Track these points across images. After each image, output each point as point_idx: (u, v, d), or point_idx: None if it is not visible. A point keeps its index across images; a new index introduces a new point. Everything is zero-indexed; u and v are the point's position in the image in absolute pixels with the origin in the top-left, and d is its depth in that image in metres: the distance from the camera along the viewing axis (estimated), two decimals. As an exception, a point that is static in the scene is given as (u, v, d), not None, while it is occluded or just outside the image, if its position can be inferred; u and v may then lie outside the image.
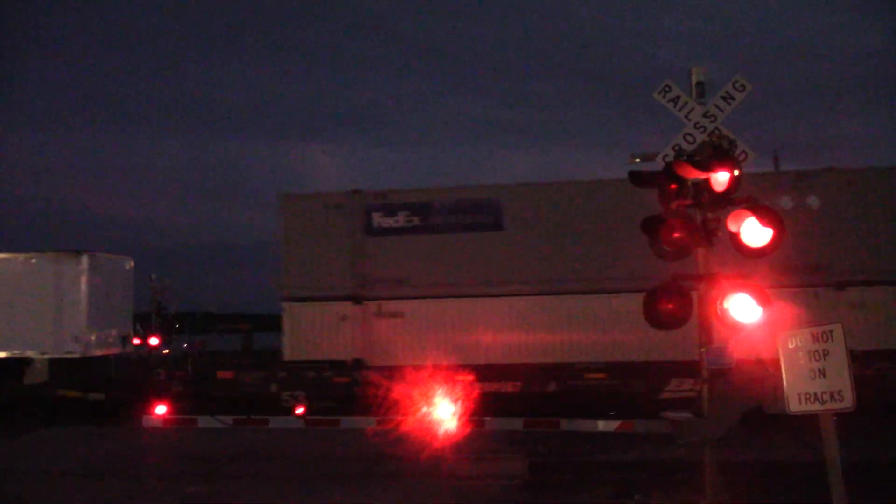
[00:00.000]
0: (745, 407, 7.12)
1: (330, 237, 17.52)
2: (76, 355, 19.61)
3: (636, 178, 7.25)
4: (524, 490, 10.66)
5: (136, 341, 23.39)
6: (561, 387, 16.11)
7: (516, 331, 16.46)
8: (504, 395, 15.87)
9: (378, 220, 17.34)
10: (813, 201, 15.21)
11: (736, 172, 6.96)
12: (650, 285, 7.14)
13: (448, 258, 16.91)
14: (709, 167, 6.96)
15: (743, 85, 7.46)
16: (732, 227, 6.94)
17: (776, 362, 6.18)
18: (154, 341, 25.27)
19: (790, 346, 6.06)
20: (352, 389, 16.60)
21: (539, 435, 14.14)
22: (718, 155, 7.00)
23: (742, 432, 7.86)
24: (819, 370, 5.87)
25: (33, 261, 20.16)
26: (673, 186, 7.29)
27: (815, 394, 5.88)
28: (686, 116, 7.52)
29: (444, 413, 13.58)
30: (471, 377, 15.12)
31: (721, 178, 6.93)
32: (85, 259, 19.86)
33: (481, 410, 14.21)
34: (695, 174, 7.04)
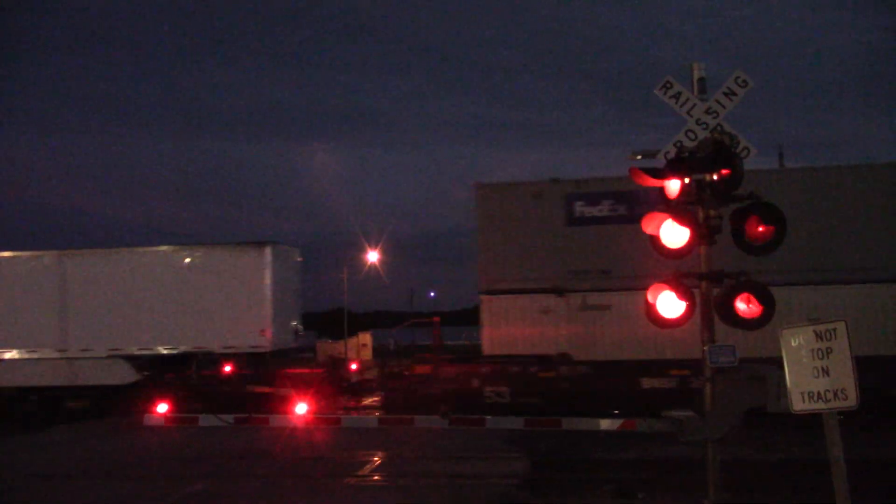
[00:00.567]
0: (748, 405, 7.07)
1: (529, 227, 17.01)
2: (264, 350, 19.04)
3: (638, 174, 7.17)
4: (527, 489, 10.61)
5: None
6: None
7: None
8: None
9: (580, 209, 16.80)
10: None
11: (738, 169, 6.90)
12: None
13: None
14: (711, 164, 6.90)
15: (745, 80, 7.37)
16: (734, 225, 6.88)
17: (779, 360, 6.13)
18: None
19: (793, 344, 6.00)
20: (557, 385, 16.20)
21: (541, 434, 14.11)
22: (720, 151, 6.93)
23: (745, 431, 7.82)
24: (822, 368, 5.81)
25: (217, 253, 19.72)
26: (675, 183, 7.22)
27: (819, 392, 5.82)
28: (688, 113, 7.43)
29: None
30: (685, 372, 14.85)
31: (723, 175, 6.87)
32: (269, 250, 19.25)
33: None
34: (697, 171, 6.98)
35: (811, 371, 5.87)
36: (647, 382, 15.65)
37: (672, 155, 7.31)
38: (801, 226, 14.21)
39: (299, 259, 21.47)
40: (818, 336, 5.87)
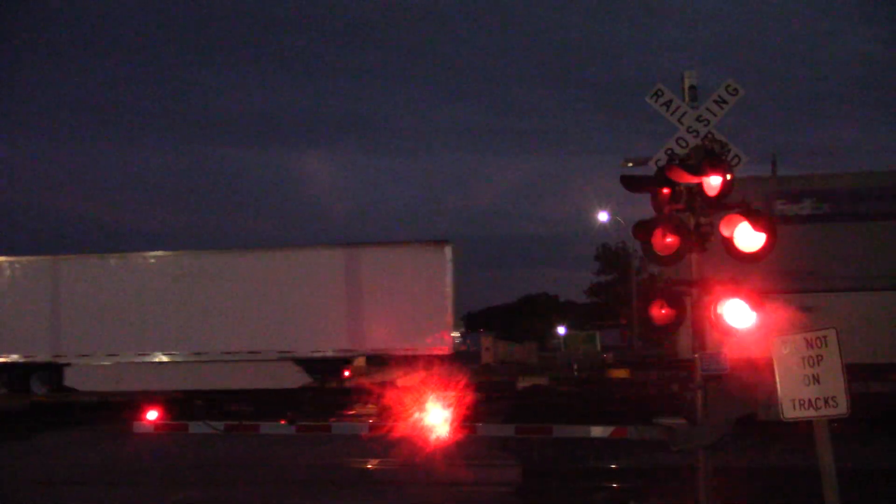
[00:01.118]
0: (739, 413, 7.08)
1: None
2: (444, 353, 18.39)
3: (628, 182, 7.19)
4: (519, 496, 10.59)
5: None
6: None
7: None
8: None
9: (781, 207, 16.16)
10: None
11: (728, 176, 6.91)
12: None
13: (858, 248, 15.66)
14: (701, 171, 6.91)
15: (735, 89, 7.40)
16: (725, 232, 6.89)
17: (770, 368, 6.14)
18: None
19: (784, 352, 6.02)
20: None
21: (533, 441, 14.06)
22: (711, 159, 6.95)
23: (736, 438, 7.82)
24: (813, 376, 5.82)
25: (396, 253, 19.22)
26: (665, 191, 7.24)
27: (810, 400, 5.83)
28: (678, 120, 7.47)
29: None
30: None
31: (713, 183, 6.88)
32: (448, 249, 18.67)
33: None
34: (687, 178, 6.99)
35: (802, 379, 5.88)
36: (871, 386, 14.99)
37: (663, 162, 7.32)
38: None
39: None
40: (809, 343, 5.88)
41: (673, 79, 7.77)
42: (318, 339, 18.82)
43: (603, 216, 38.35)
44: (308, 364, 19.05)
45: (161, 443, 14.69)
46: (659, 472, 11.10)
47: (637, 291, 33.26)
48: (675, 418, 9.36)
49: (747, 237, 6.75)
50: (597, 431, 13.69)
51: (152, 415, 17.05)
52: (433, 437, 12.79)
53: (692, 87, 7.59)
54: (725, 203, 6.94)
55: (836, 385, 5.70)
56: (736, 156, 7.36)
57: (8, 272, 20.99)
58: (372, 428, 14.57)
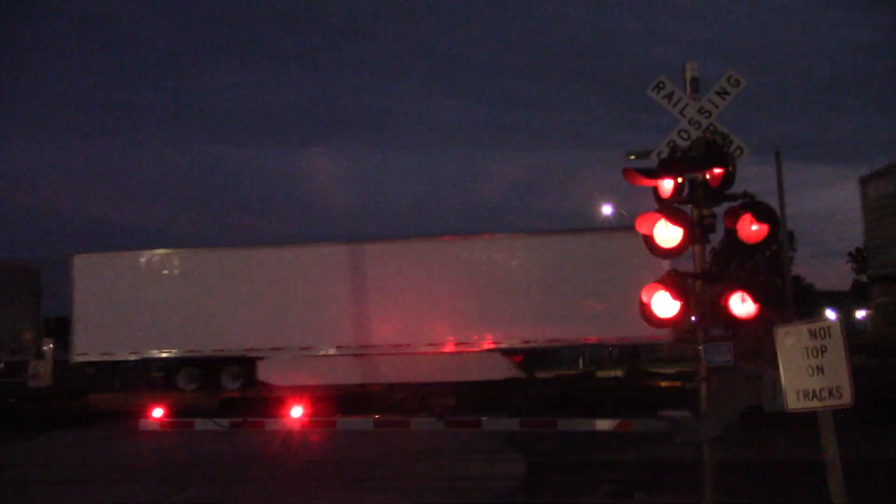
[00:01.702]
0: (743, 405, 7.07)
1: None
2: (664, 340, 18.29)
3: (630, 175, 7.18)
4: (523, 490, 10.60)
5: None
6: None
7: None
8: None
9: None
10: None
11: (730, 168, 6.91)
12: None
13: None
14: (703, 163, 6.91)
15: (737, 80, 7.38)
16: (728, 224, 6.88)
17: (774, 359, 6.12)
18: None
19: (787, 343, 6.00)
20: None
21: (539, 434, 14.06)
22: (713, 151, 6.95)
23: (741, 431, 7.81)
24: (817, 367, 5.81)
25: (616, 238, 18.68)
26: (668, 183, 7.23)
27: (814, 391, 5.82)
28: (680, 112, 7.45)
29: None
30: None
31: (716, 174, 6.88)
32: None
33: None
34: (689, 170, 6.98)
35: (806, 369, 5.87)
36: None
37: (665, 155, 7.31)
38: None
39: None
40: (812, 334, 5.87)
41: (675, 71, 7.75)
42: (527, 330, 18.26)
43: (606, 209, 38.27)
44: (513, 355, 18.54)
45: (167, 440, 14.76)
46: (664, 464, 11.10)
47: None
48: (679, 411, 9.36)
49: (750, 229, 6.75)
50: (602, 425, 13.68)
51: (158, 412, 17.10)
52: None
53: (694, 79, 7.57)
54: (728, 194, 6.94)
55: (840, 376, 5.69)
56: (738, 147, 7.34)
57: (196, 263, 20.53)
58: (378, 423, 14.60)
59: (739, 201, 6.88)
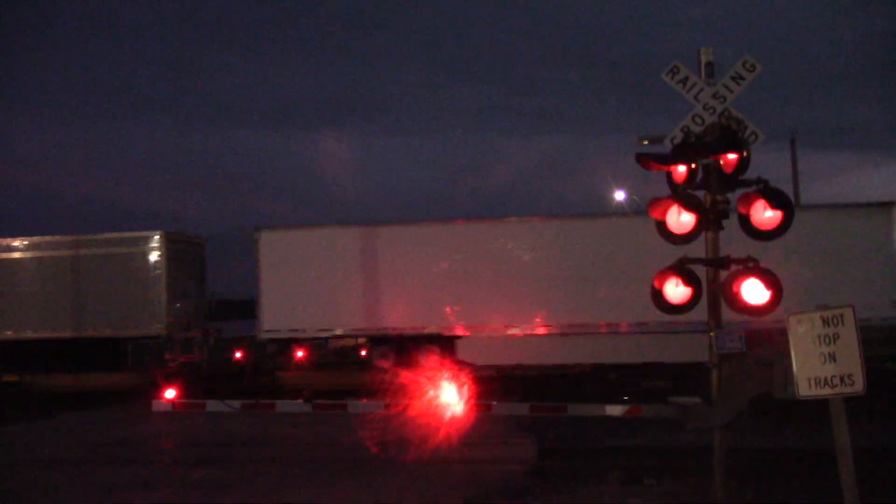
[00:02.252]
0: (754, 392, 7.06)
1: None
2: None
3: (644, 160, 7.14)
4: (534, 475, 10.63)
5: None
6: None
7: None
8: None
9: None
10: None
11: (745, 154, 6.86)
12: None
13: None
14: (717, 149, 6.87)
15: (753, 65, 7.31)
16: (741, 210, 6.85)
17: (786, 346, 6.10)
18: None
19: (800, 330, 5.98)
20: None
21: (550, 420, 14.09)
22: (727, 136, 6.90)
23: (752, 417, 7.81)
24: (829, 354, 5.79)
25: (839, 216, 17.93)
26: (681, 169, 7.20)
27: (826, 378, 5.81)
28: (695, 98, 7.38)
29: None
30: None
31: (730, 160, 6.84)
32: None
33: None
34: (703, 156, 6.95)
35: (818, 357, 5.85)
36: None
37: (679, 140, 7.27)
38: None
39: None
40: (825, 322, 5.85)
41: (690, 56, 7.69)
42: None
43: (620, 195, 38.11)
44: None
45: (180, 421, 14.89)
46: (675, 451, 11.11)
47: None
48: (690, 397, 9.35)
49: (764, 215, 6.71)
50: (612, 410, 13.70)
51: (170, 393, 17.26)
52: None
53: (709, 64, 7.50)
54: (742, 180, 6.90)
55: (852, 363, 5.68)
56: (753, 133, 7.28)
57: (392, 239, 19.63)
58: (388, 407, 14.64)
59: (753, 187, 6.83)
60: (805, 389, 5.93)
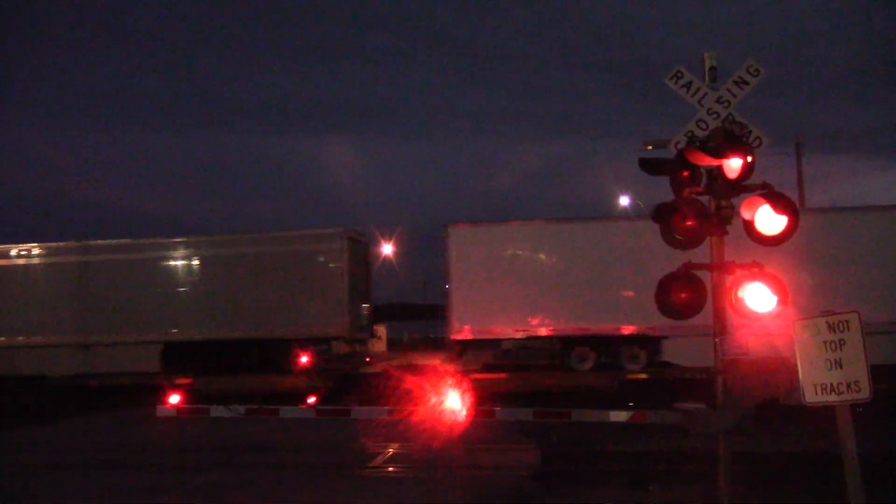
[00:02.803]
0: (759, 398, 7.01)
1: None
2: None
3: (648, 165, 7.11)
4: (538, 480, 10.60)
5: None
6: None
7: None
8: None
9: None
10: None
11: (749, 158, 6.82)
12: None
13: None
14: (721, 153, 6.82)
15: (757, 69, 7.28)
16: (746, 215, 6.80)
17: (791, 352, 6.07)
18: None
19: (806, 336, 5.95)
20: None
21: (553, 425, 14.03)
22: (731, 141, 6.85)
23: (757, 423, 7.76)
24: (835, 360, 5.76)
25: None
26: (685, 173, 7.15)
27: (832, 384, 5.77)
28: (699, 102, 7.37)
29: None
30: None
31: (734, 165, 6.79)
32: None
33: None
34: (707, 161, 6.89)
35: (824, 363, 5.82)
36: None
37: (683, 144, 7.24)
38: None
39: None
40: (831, 328, 5.81)
41: (694, 60, 7.67)
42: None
43: (624, 200, 38.00)
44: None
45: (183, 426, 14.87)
46: (680, 456, 11.07)
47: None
48: (695, 402, 9.31)
49: (769, 220, 6.66)
50: (616, 416, 13.59)
51: (174, 399, 17.16)
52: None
53: (713, 68, 7.49)
54: (746, 185, 6.86)
55: (858, 369, 5.64)
56: (757, 137, 7.26)
57: (588, 235, 18.99)
58: (390, 412, 14.53)
59: (758, 192, 6.79)
60: (811, 395, 5.90)
